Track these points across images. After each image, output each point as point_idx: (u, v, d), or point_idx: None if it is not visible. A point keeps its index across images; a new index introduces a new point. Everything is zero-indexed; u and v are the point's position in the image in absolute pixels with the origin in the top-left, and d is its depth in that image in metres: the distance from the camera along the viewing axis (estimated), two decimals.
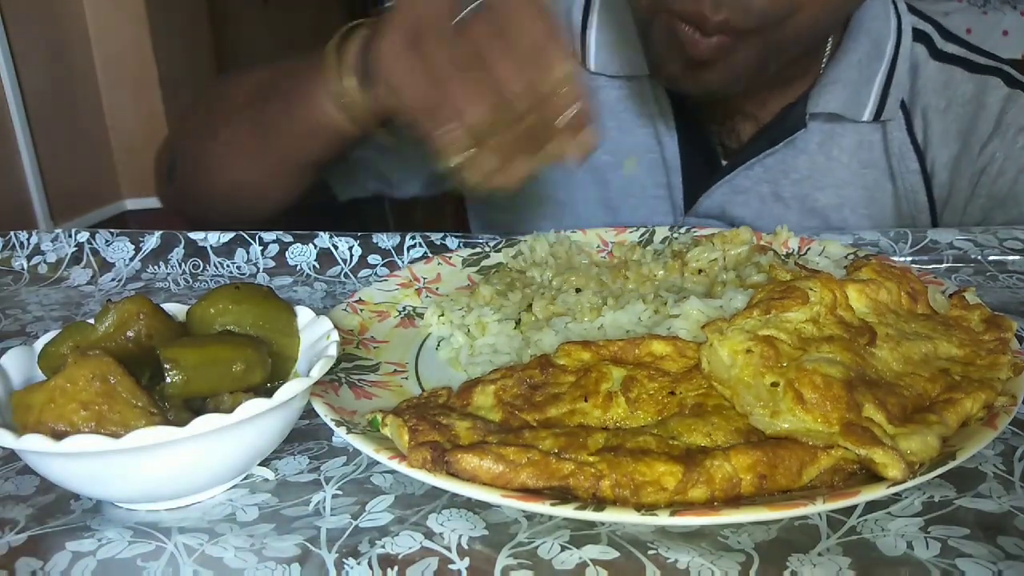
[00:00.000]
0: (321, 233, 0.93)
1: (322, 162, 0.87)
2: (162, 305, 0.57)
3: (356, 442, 0.48)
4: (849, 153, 0.95)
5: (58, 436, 0.43)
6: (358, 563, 0.43)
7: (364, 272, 0.90)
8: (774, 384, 0.48)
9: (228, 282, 0.84)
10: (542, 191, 1.05)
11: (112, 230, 0.97)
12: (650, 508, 0.42)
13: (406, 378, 0.63)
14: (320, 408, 0.52)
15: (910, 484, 0.43)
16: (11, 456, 0.55)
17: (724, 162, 0.99)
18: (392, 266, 0.90)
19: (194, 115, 1.02)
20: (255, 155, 0.88)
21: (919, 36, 0.95)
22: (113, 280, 0.93)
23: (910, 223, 0.97)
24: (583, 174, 1.03)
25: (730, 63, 0.81)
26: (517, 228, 0.96)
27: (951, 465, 0.44)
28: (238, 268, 0.93)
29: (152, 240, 0.95)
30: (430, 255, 0.88)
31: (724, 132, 0.98)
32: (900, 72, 0.93)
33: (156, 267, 0.94)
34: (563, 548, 0.43)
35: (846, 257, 0.76)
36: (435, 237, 0.93)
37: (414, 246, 0.92)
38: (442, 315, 0.69)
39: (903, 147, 0.95)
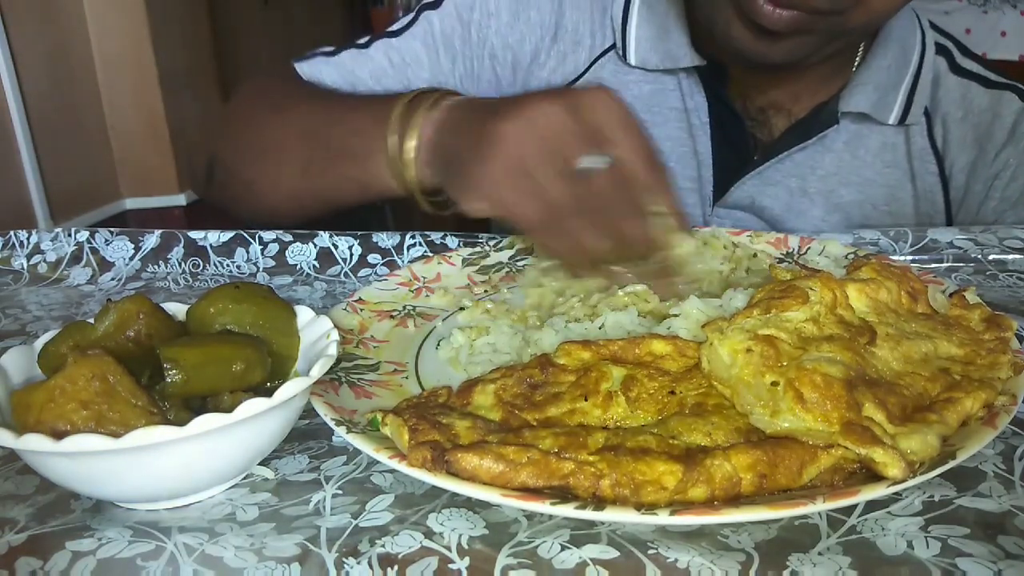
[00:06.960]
0: (321, 233, 0.93)
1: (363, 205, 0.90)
2: (162, 305, 0.57)
3: (356, 441, 0.48)
4: (873, 154, 0.99)
5: (58, 436, 0.43)
6: (358, 562, 0.43)
7: (364, 272, 0.90)
8: (774, 383, 0.48)
9: (228, 281, 0.84)
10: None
11: (112, 229, 0.97)
12: (650, 507, 0.42)
13: (406, 377, 0.63)
14: (320, 407, 0.52)
15: (910, 483, 0.43)
16: (11, 456, 0.55)
17: (755, 156, 1.02)
18: (392, 266, 0.90)
19: (235, 129, 1.02)
20: (297, 193, 0.91)
21: (940, 50, 1.01)
22: (113, 279, 0.93)
23: (927, 221, 1.01)
24: None
25: (798, 38, 0.84)
26: None
27: (951, 464, 0.44)
28: (238, 267, 0.93)
29: (152, 239, 0.95)
30: (430, 254, 0.88)
31: (757, 126, 1.02)
32: (924, 81, 0.98)
33: (156, 266, 0.94)
34: (563, 548, 0.43)
35: (846, 257, 0.76)
36: (435, 236, 0.93)
37: (414, 245, 0.92)
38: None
39: (923, 151, 1.00)
